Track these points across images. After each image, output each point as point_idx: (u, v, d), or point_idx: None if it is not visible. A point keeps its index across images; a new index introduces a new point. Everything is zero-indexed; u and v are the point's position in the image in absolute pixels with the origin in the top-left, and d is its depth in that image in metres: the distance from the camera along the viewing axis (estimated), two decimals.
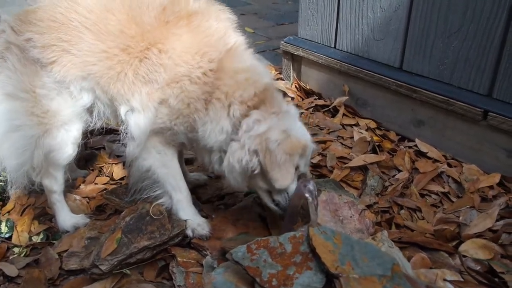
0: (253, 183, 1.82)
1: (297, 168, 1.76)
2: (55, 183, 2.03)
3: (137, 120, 1.82)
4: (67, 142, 1.92)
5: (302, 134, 1.79)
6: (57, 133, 1.89)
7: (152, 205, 1.95)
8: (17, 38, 1.80)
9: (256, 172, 1.72)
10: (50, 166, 1.97)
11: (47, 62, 1.80)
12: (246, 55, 1.87)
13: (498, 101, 2.32)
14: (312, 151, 1.86)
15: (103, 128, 2.36)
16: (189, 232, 1.90)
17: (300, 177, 1.80)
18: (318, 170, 2.49)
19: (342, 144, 2.74)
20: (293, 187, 1.76)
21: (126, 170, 2.23)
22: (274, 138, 1.68)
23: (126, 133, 1.90)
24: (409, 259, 1.72)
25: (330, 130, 2.89)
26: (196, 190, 2.26)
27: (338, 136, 2.82)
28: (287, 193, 1.76)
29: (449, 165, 2.46)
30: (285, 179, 1.70)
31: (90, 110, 1.93)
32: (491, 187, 2.24)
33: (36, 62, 1.81)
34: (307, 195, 1.65)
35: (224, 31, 1.84)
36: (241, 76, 1.77)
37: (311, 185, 1.65)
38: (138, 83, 1.80)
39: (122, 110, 1.86)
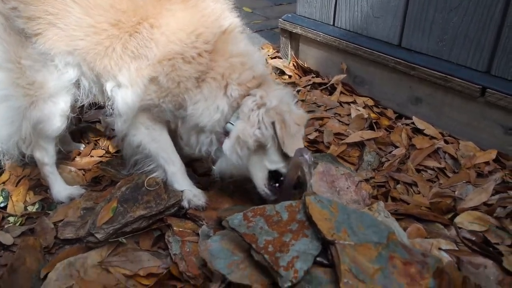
0: (253, 163, 1.81)
1: None
2: (46, 156, 2.02)
3: (124, 96, 1.81)
4: (55, 114, 1.90)
5: (299, 108, 1.87)
6: (44, 105, 1.87)
7: (148, 177, 1.94)
8: (3, 6, 1.76)
9: (268, 145, 1.74)
10: (39, 138, 1.96)
11: (32, 34, 1.77)
12: (241, 38, 1.88)
13: (497, 77, 2.31)
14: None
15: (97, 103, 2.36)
16: (185, 203, 1.89)
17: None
18: (315, 146, 2.48)
19: (339, 121, 2.73)
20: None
21: (119, 145, 2.23)
22: (286, 109, 1.74)
23: (113, 109, 1.89)
24: (404, 229, 1.73)
25: (327, 108, 2.87)
26: (192, 164, 2.25)
27: (336, 113, 2.81)
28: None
29: (446, 142, 2.46)
30: (297, 147, 1.72)
31: (77, 85, 1.91)
32: (487, 163, 2.24)
33: (21, 32, 1.77)
34: (305, 165, 1.65)
35: (220, 12, 1.83)
36: (236, 59, 1.78)
37: (307, 154, 1.64)
38: (127, 58, 1.78)
39: (108, 86, 1.84)
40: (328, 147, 2.46)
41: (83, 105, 2.00)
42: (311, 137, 2.55)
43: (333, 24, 3.14)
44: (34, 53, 1.80)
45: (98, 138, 2.50)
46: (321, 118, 2.72)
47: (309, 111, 2.82)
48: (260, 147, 1.76)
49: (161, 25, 1.74)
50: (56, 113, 1.91)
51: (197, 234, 1.78)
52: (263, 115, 1.73)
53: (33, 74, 1.83)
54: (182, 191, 1.91)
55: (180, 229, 1.82)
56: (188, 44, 1.74)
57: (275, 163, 1.80)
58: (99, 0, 1.74)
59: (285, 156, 1.77)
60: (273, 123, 1.72)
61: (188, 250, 1.71)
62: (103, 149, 2.43)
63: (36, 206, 2.05)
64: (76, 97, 1.93)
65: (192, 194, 1.91)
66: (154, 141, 1.91)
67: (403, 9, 2.64)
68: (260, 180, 1.83)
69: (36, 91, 1.85)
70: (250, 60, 1.82)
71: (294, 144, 1.72)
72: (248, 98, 1.78)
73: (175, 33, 1.74)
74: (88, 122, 2.62)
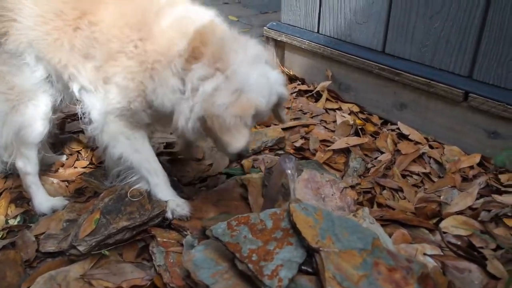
0: (208, 136, 1.74)
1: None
2: (28, 164, 1.98)
3: (92, 100, 1.77)
4: (36, 118, 1.87)
5: (258, 89, 1.57)
6: (25, 109, 1.84)
7: (131, 188, 1.91)
8: None
9: (204, 134, 1.66)
10: (21, 145, 1.92)
11: (1, 34, 1.76)
12: (173, 11, 1.70)
13: (479, 82, 2.33)
14: (284, 98, 1.72)
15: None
16: (169, 214, 1.86)
17: None
18: (301, 153, 2.48)
19: (325, 127, 2.73)
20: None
21: (102, 156, 2.18)
22: (221, 101, 1.51)
23: (84, 113, 1.83)
24: (390, 235, 1.72)
25: (313, 115, 2.88)
26: (176, 173, 2.23)
27: (321, 120, 2.82)
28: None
29: (431, 147, 2.47)
30: (238, 141, 1.54)
31: (51, 83, 1.87)
32: (471, 167, 2.25)
33: None
34: (288, 171, 1.64)
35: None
36: (169, 32, 1.63)
37: (291, 162, 1.63)
38: (77, 56, 1.74)
39: (75, 87, 1.80)
40: (314, 154, 2.46)
41: (64, 118, 1.98)
42: (297, 144, 2.55)
43: (318, 32, 3.15)
44: (7, 57, 1.78)
45: (81, 149, 2.46)
46: (307, 125, 2.72)
47: (295, 118, 2.83)
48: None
49: (98, 22, 1.70)
50: (38, 117, 1.88)
51: (182, 245, 1.75)
52: (195, 106, 1.57)
53: (11, 79, 1.81)
54: (165, 202, 1.88)
55: (164, 240, 1.79)
56: (124, 40, 1.66)
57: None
58: None
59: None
60: (202, 118, 1.56)
61: (172, 260, 1.68)
62: (86, 160, 2.40)
63: (18, 219, 2.01)
64: (55, 98, 1.90)
65: (175, 204, 1.88)
66: (136, 152, 1.86)
67: (385, 15, 2.66)
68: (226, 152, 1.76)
69: (17, 95, 1.83)
70: (182, 26, 1.64)
71: (234, 137, 1.53)
72: (189, 78, 1.60)
73: (110, 30, 1.68)
74: (70, 132, 2.59)
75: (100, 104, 1.77)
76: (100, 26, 1.70)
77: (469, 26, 2.29)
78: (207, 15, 1.72)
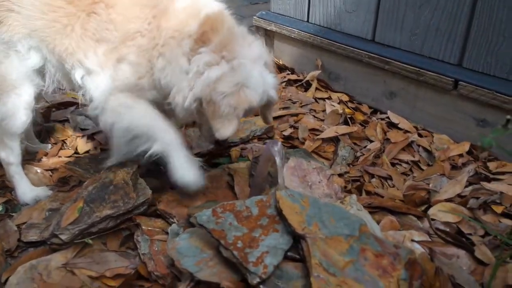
0: (197, 117, 1.78)
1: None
2: (11, 154, 1.93)
3: (96, 81, 1.74)
4: (19, 107, 1.82)
5: (255, 87, 1.65)
6: (7, 99, 1.79)
7: (115, 175, 1.88)
8: None
9: (196, 115, 1.69)
10: (3, 135, 1.87)
11: None
12: None
13: (468, 70, 2.31)
14: (273, 102, 1.81)
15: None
16: (178, 178, 1.77)
17: None
18: (290, 142, 2.45)
19: (315, 117, 2.71)
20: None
21: (92, 142, 2.13)
22: (222, 90, 1.59)
23: (86, 99, 1.82)
24: (378, 222, 1.71)
25: (302, 104, 2.85)
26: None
27: (311, 109, 2.79)
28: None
29: (420, 135, 2.46)
30: (225, 129, 1.61)
31: (41, 72, 1.83)
32: (460, 155, 2.24)
33: None
34: (276, 158, 1.61)
35: None
36: (183, 13, 1.70)
37: (278, 146, 1.60)
38: (90, 41, 1.72)
39: (78, 75, 1.78)
40: (303, 143, 2.43)
41: (49, 107, 1.93)
42: (286, 133, 2.52)
43: (307, 21, 3.12)
44: None
45: (66, 138, 2.42)
46: (296, 114, 2.69)
47: (284, 108, 2.80)
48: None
49: (115, 4, 1.70)
50: (21, 106, 1.83)
51: (167, 233, 1.72)
52: (197, 87, 1.62)
53: None
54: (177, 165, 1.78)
55: (149, 228, 1.76)
56: (143, 18, 1.69)
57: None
58: None
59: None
60: (199, 99, 1.63)
61: (157, 249, 1.65)
62: (71, 149, 2.36)
63: (0, 208, 1.96)
64: (40, 87, 1.85)
65: (187, 168, 1.77)
66: (141, 117, 1.79)
67: (375, 3, 2.63)
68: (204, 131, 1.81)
69: (0, 84, 1.78)
70: (194, 9, 1.70)
71: (224, 125, 1.61)
72: (195, 60, 1.65)
73: (129, 11, 1.70)
74: (55, 121, 2.54)
75: (105, 83, 1.74)
76: (118, 8, 1.70)
77: (458, 14, 2.27)
78: (217, 5, 1.78)
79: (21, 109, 1.83)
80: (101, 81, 1.74)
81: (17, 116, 1.84)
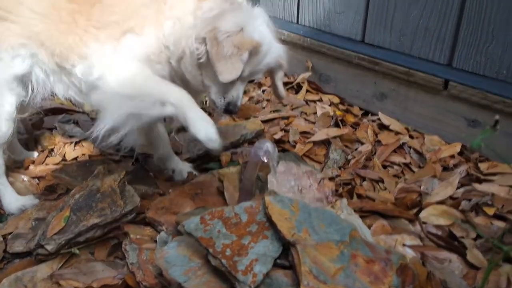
0: (204, 75, 1.72)
1: (242, 71, 1.64)
2: None
3: (99, 54, 1.71)
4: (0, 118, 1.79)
5: (259, 34, 1.67)
6: None
7: (103, 183, 1.85)
8: None
9: (202, 60, 1.65)
10: None
11: None
12: None
13: (458, 70, 2.30)
14: (281, 66, 1.84)
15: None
16: (202, 137, 1.63)
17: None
18: (281, 146, 2.43)
19: (306, 119, 2.69)
20: (236, 91, 1.72)
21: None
22: (224, 29, 1.59)
23: (87, 95, 1.79)
24: (369, 226, 1.69)
25: (293, 107, 2.83)
26: (153, 168, 2.17)
27: (302, 112, 2.77)
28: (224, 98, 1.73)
29: (411, 137, 2.44)
30: (229, 72, 1.60)
31: (23, 81, 1.79)
32: (452, 157, 2.23)
33: None
34: (264, 159, 1.58)
35: None
36: None
37: (266, 147, 1.57)
38: (92, 29, 1.71)
39: (79, 70, 1.73)
40: (294, 146, 2.41)
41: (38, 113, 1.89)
42: (277, 136, 2.50)
43: (297, 22, 3.10)
44: None
45: (54, 146, 2.38)
46: (287, 117, 2.67)
47: (275, 111, 2.78)
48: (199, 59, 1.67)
49: None
50: (2, 117, 1.79)
51: (156, 241, 1.69)
52: (199, 27, 1.63)
53: None
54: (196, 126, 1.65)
55: (138, 237, 1.73)
56: None
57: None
58: None
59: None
60: (204, 39, 1.61)
61: (145, 258, 1.62)
62: (59, 156, 2.32)
63: None
64: (21, 98, 1.81)
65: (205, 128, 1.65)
66: (148, 79, 1.72)
67: (364, 4, 2.61)
68: (213, 95, 1.75)
69: None
70: None
71: (227, 67, 1.60)
72: (198, 6, 1.68)
73: None
74: (43, 128, 2.50)
75: (108, 53, 1.71)
76: None
77: (447, 13, 2.26)
78: None
79: (2, 120, 1.80)
80: (103, 53, 1.70)
81: None
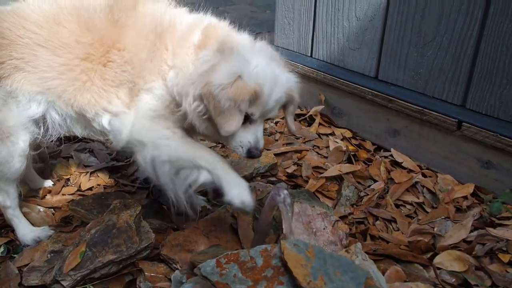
0: (215, 127, 1.71)
1: (251, 115, 1.65)
2: (7, 199, 1.94)
3: (127, 120, 1.78)
4: (13, 155, 1.82)
5: (258, 76, 1.61)
6: (2, 146, 1.79)
7: (119, 216, 1.87)
8: None
9: (205, 117, 1.65)
10: None
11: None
12: (186, 13, 1.88)
13: (472, 111, 2.32)
14: (293, 101, 1.81)
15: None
16: (234, 201, 1.71)
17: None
18: (293, 180, 2.45)
19: (318, 153, 2.71)
20: (243, 136, 1.70)
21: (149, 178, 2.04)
22: (218, 82, 1.56)
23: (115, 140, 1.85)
24: (383, 272, 1.69)
25: (306, 140, 2.85)
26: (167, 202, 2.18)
27: (314, 145, 2.79)
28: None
29: (424, 175, 2.45)
30: (229, 125, 1.59)
31: (37, 122, 1.84)
32: (465, 198, 2.23)
33: None
34: (280, 205, 1.60)
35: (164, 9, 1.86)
36: (186, 26, 1.78)
37: (284, 194, 1.59)
38: (110, 88, 1.76)
39: (105, 121, 1.81)
40: (306, 181, 2.43)
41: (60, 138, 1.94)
42: (290, 170, 2.51)
43: (311, 55, 3.15)
44: None
45: (69, 176, 2.41)
46: (300, 151, 2.70)
47: (287, 144, 2.80)
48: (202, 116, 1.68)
49: (125, 44, 1.75)
50: (15, 154, 1.83)
51: (170, 280, 1.70)
52: (195, 84, 1.62)
53: None
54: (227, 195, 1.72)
55: (152, 274, 1.74)
56: (148, 45, 1.75)
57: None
58: (64, 39, 1.73)
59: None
60: (200, 96, 1.60)
61: None
62: (74, 186, 2.35)
63: (1, 249, 1.95)
64: (35, 135, 1.85)
65: (240, 191, 1.71)
66: (181, 145, 1.77)
67: (378, 42, 2.65)
68: (232, 142, 1.74)
69: None
70: (195, 21, 1.81)
71: (226, 120, 1.58)
72: (193, 62, 1.70)
73: (137, 43, 1.76)
74: (59, 157, 2.54)
75: (133, 119, 1.78)
76: (128, 47, 1.76)
77: (462, 56, 2.29)
78: (217, 20, 1.88)
79: (15, 156, 1.83)
80: (129, 118, 1.77)
81: (12, 164, 1.84)
